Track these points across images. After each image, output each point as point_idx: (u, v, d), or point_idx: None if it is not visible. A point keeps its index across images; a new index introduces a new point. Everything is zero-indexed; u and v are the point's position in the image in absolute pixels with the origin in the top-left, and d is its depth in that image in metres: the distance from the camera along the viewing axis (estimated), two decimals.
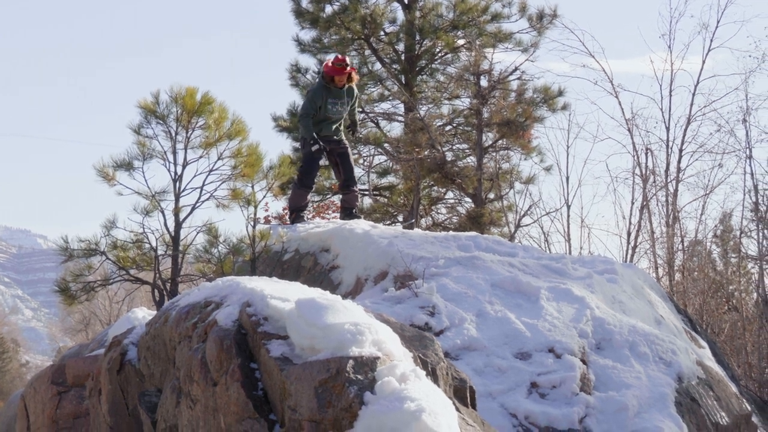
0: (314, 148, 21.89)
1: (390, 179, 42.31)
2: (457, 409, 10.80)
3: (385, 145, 41.37)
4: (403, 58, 42.21)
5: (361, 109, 19.66)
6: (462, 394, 11.91)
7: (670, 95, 39.10)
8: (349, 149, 21.92)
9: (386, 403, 9.89)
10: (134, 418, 12.91)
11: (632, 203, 39.12)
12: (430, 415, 9.71)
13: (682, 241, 38.23)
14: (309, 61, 42.94)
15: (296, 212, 23.69)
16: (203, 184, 37.25)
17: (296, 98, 41.72)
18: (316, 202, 41.59)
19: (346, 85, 20.97)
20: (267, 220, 37.70)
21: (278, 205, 40.82)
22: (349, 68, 20.76)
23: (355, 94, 21.44)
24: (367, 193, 42.23)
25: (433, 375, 11.32)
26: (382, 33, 41.91)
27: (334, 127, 21.58)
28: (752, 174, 42.35)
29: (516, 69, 40.57)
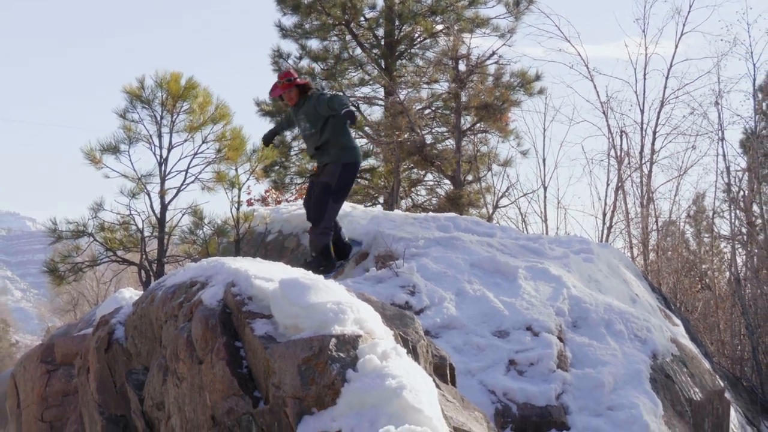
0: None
1: (370, 162, 42.43)
2: (438, 386, 10.81)
3: (366, 128, 41.46)
4: (382, 43, 42.40)
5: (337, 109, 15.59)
6: (442, 372, 11.93)
7: (645, 79, 39.22)
8: (324, 181, 16.82)
9: (368, 381, 9.91)
10: (122, 395, 12.90)
11: (607, 184, 39.23)
12: (410, 391, 9.72)
13: (657, 222, 38.31)
14: (291, 47, 43.27)
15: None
16: (188, 167, 37.07)
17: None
18: (299, 184, 41.71)
19: (301, 101, 17.16)
20: (250, 203, 37.70)
21: (261, 188, 40.85)
22: (290, 82, 16.97)
23: (314, 103, 16.85)
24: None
25: (413, 353, 11.33)
26: (362, 18, 42.14)
27: (312, 149, 17.65)
28: (724, 156, 42.34)
29: (493, 54, 40.71)
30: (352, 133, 16.59)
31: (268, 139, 19.26)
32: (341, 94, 15.61)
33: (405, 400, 9.65)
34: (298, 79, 16.97)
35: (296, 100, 16.96)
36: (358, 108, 16.35)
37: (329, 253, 15.02)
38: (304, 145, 44.15)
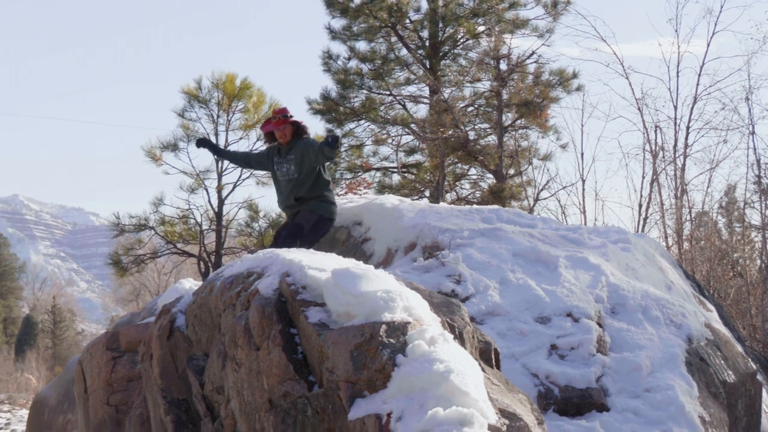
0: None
1: (417, 157, 42.50)
2: (483, 370, 10.79)
3: (412, 125, 41.43)
4: (427, 44, 42.37)
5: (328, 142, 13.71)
6: (487, 356, 11.91)
7: (678, 76, 39.18)
8: (297, 222, 14.93)
9: (417, 365, 9.91)
10: (183, 380, 12.94)
11: (643, 177, 39.15)
12: (457, 375, 9.70)
13: (690, 212, 38.23)
14: (340, 48, 43.13)
15: None
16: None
17: (329, 83, 42.11)
18: (348, 179, 41.76)
19: (293, 141, 15.01)
20: None
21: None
22: (286, 119, 14.81)
23: (304, 147, 14.82)
24: (395, 170, 42.61)
25: (460, 338, 11.32)
26: (407, 21, 42.09)
27: (285, 195, 15.25)
28: (755, 149, 42.16)
29: (533, 53, 40.81)
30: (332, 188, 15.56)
31: (203, 143, 16.65)
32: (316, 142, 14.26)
33: (452, 384, 9.63)
34: (294, 118, 15.07)
35: (288, 139, 14.96)
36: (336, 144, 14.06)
37: None
38: (352, 142, 44.72)
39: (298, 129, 14.92)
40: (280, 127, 14.31)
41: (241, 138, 40.25)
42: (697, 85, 38.89)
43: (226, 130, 37.30)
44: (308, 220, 13.96)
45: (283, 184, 15.06)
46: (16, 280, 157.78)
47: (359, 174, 42.16)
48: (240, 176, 40.34)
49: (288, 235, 13.91)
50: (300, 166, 14.67)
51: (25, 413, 53.57)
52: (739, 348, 18.28)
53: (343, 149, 41.57)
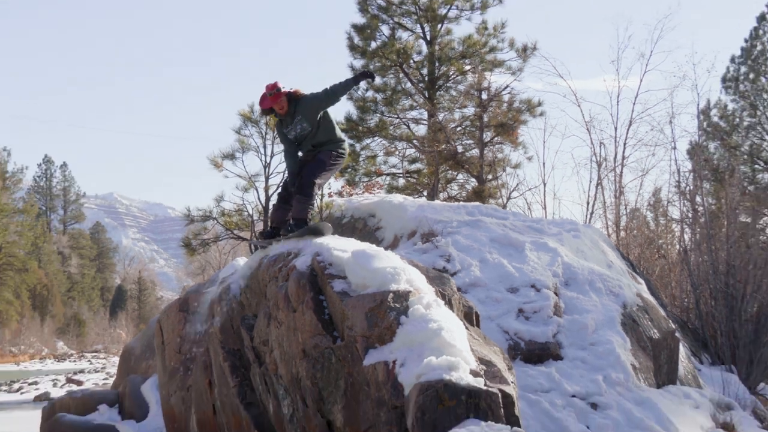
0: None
1: (417, 165, 43.17)
2: (466, 328, 10.82)
3: (414, 141, 42.25)
4: (426, 79, 43.08)
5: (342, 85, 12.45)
6: (470, 318, 11.93)
7: (618, 104, 39.72)
8: (320, 159, 13.63)
9: (416, 324, 9.99)
10: (237, 335, 12.96)
11: (590, 182, 39.40)
12: (447, 332, 9.77)
13: (626, 209, 38.29)
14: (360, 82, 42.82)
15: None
16: (285, 170, 36.90)
17: (350, 109, 42.72)
18: (365, 182, 42.13)
19: (292, 107, 13.68)
20: (330, 195, 37.69)
21: (338, 184, 40.69)
22: (278, 92, 13.48)
23: (309, 103, 13.57)
24: (401, 175, 43.12)
25: (449, 304, 11.34)
26: (411, 61, 42.68)
27: (309, 146, 13.76)
28: (675, 160, 42.73)
29: (507, 86, 41.41)
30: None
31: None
32: (316, 94, 12.47)
33: (443, 338, 9.68)
34: (284, 89, 13.57)
35: (287, 108, 13.57)
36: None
37: (307, 223, 13.15)
38: (369, 153, 45.06)
39: (291, 96, 13.64)
40: (278, 102, 13.19)
41: (281, 151, 41.01)
42: (632, 111, 39.14)
43: (272, 143, 37.88)
44: (329, 157, 13.27)
45: (302, 140, 13.91)
46: (111, 258, 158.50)
47: (373, 178, 42.53)
48: (282, 179, 41.27)
49: (313, 169, 12.97)
50: (311, 120, 13.53)
51: (116, 360, 53.59)
52: (662, 312, 18.28)
53: (360, 159, 41.81)
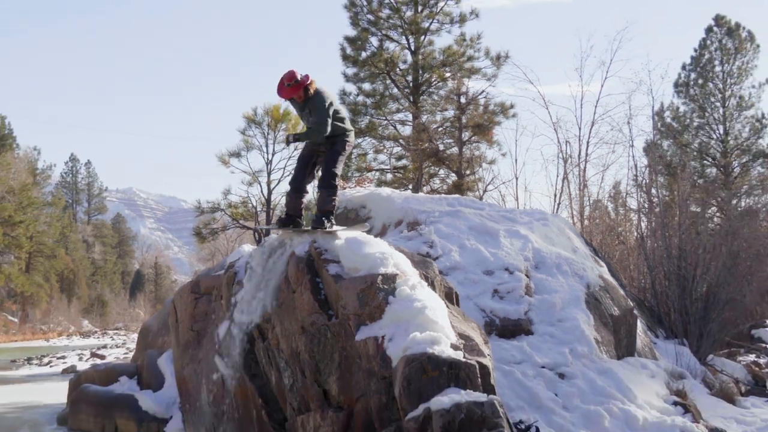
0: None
1: (403, 162, 43.61)
2: (447, 307, 10.81)
3: (400, 140, 42.62)
4: (411, 85, 43.66)
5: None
6: (450, 297, 11.91)
7: (581, 107, 39.46)
8: (336, 149, 12.88)
9: (403, 303, 10.00)
10: None
11: (557, 176, 39.61)
12: (430, 310, 9.79)
13: (589, 200, 38.33)
14: (351, 87, 44.40)
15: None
16: (285, 166, 36.92)
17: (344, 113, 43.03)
18: (357, 176, 42.50)
19: (306, 97, 12.92)
20: None
21: None
22: (297, 84, 12.74)
23: (315, 101, 12.76)
24: (389, 171, 43.37)
25: (432, 285, 11.34)
26: (397, 69, 43.20)
27: (322, 138, 12.89)
28: (633, 157, 42.92)
29: (483, 91, 42.04)
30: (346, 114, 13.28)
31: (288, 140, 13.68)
32: (320, 105, 11.36)
33: (426, 316, 9.69)
34: (301, 78, 12.71)
35: (304, 98, 12.81)
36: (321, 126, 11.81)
37: (332, 214, 12.52)
38: (360, 151, 45.25)
39: (307, 88, 12.84)
40: (296, 93, 12.82)
41: (283, 148, 41.48)
42: (594, 113, 39.24)
43: (273, 143, 38.53)
44: (342, 148, 12.67)
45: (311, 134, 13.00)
46: (130, 246, 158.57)
47: (364, 173, 42.79)
48: (283, 174, 41.83)
49: (331, 162, 12.45)
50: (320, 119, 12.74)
51: (135, 336, 53.57)
52: (622, 292, 18.29)
53: (353, 156, 42.05)
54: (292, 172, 13.11)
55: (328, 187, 12.28)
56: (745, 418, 16.07)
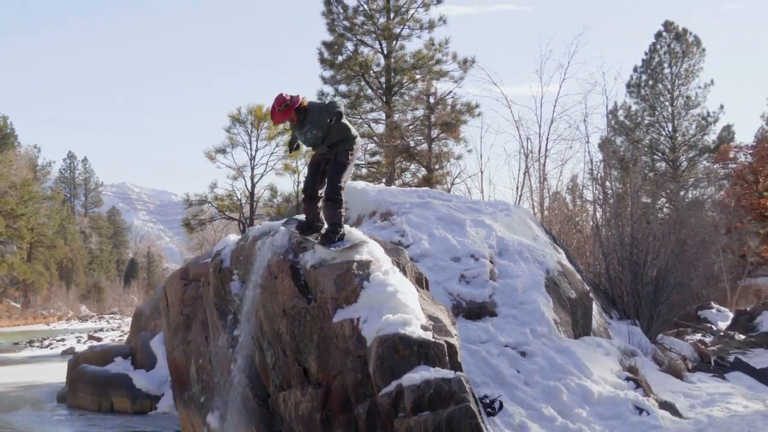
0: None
1: (377, 158, 43.71)
2: (418, 291, 10.82)
3: (374, 137, 42.79)
4: (384, 86, 43.96)
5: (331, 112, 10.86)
6: (420, 282, 11.91)
7: (541, 106, 39.69)
8: (339, 161, 11.69)
9: (376, 287, 10.01)
10: (228, 297, 12.90)
11: (519, 170, 39.94)
12: (402, 294, 9.81)
13: (548, 192, 38.47)
14: (328, 89, 44.76)
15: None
16: (267, 162, 36.94)
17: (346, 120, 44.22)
18: None
19: (302, 116, 11.67)
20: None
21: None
22: (288, 108, 11.53)
23: (317, 113, 11.53)
24: (364, 166, 43.54)
25: (403, 271, 11.32)
26: (371, 72, 43.45)
27: (325, 148, 11.79)
28: (589, 152, 43.07)
29: (450, 92, 42.55)
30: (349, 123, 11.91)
31: (291, 145, 12.30)
32: (334, 100, 10.57)
33: (398, 299, 9.70)
34: (292, 100, 11.57)
35: (297, 119, 11.66)
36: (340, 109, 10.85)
37: (342, 225, 11.28)
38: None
39: (300, 108, 12.04)
40: (288, 116, 11.73)
41: (266, 145, 41.64)
42: (553, 112, 39.46)
43: (257, 140, 38.72)
44: (345, 158, 11.65)
45: (315, 144, 11.31)
46: (125, 236, 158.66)
47: None
48: (265, 170, 42.00)
49: (335, 174, 11.47)
50: (321, 127, 11.49)
51: (129, 320, 53.35)
52: (579, 277, 18.33)
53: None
54: (304, 179, 12.48)
55: (333, 201, 11.24)
56: (692, 392, 16.16)
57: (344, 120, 11.32)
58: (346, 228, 11.59)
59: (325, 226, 11.49)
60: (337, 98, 11.76)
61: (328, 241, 11.19)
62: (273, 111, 11.39)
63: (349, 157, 11.42)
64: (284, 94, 11.41)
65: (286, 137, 46.63)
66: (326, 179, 11.54)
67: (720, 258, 38.58)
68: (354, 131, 11.58)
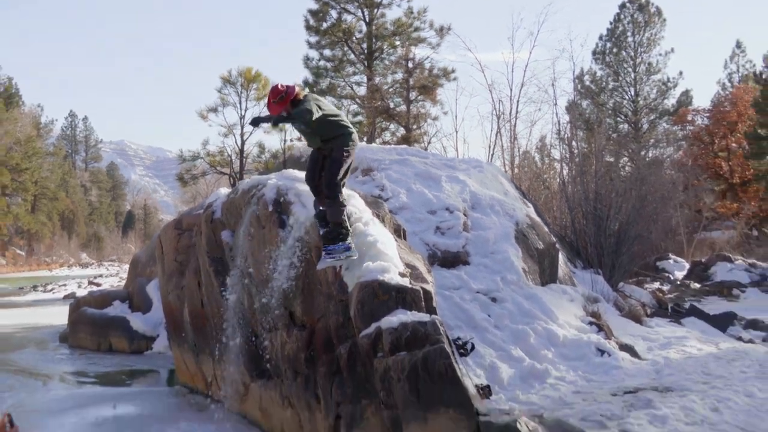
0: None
1: (359, 118, 43.76)
2: (396, 241, 10.79)
3: (356, 99, 43.23)
4: (366, 51, 44.36)
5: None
6: (399, 233, 11.90)
7: (512, 71, 39.81)
8: (334, 157, 10.71)
9: (357, 237, 10.02)
10: (219, 246, 12.89)
11: (491, 130, 40.52)
12: (381, 243, 9.80)
13: (519, 151, 38.56)
14: (314, 53, 45.23)
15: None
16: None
17: (307, 74, 46.04)
18: None
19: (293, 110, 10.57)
20: (290, 140, 37.89)
21: (296, 133, 41.84)
22: (282, 100, 10.66)
23: (297, 111, 10.33)
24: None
25: (383, 222, 11.30)
26: (354, 38, 43.81)
27: (318, 142, 10.94)
28: (556, 114, 42.95)
29: (428, 57, 42.72)
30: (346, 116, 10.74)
31: (256, 122, 11.14)
32: (303, 107, 9.42)
33: (378, 248, 9.70)
34: (287, 92, 10.71)
35: (291, 110, 10.58)
36: (306, 114, 9.81)
37: (345, 223, 10.28)
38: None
39: (294, 101, 11.08)
40: (284, 108, 10.77)
41: (255, 105, 41.68)
42: (524, 76, 39.90)
43: (246, 100, 38.74)
44: (340, 154, 10.53)
45: (305, 135, 11.24)
46: (123, 190, 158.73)
47: None
48: (253, 128, 42.27)
49: (331, 173, 10.17)
50: (308, 123, 10.33)
51: (127, 267, 53.22)
52: (546, 229, 18.36)
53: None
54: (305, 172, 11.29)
55: (330, 198, 10.31)
56: (650, 336, 16.27)
57: (335, 118, 10.28)
58: (353, 210, 10.88)
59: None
60: (308, 102, 10.07)
61: (328, 243, 10.21)
62: (269, 102, 10.41)
63: (344, 153, 10.54)
64: (279, 86, 10.65)
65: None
66: (324, 178, 10.68)
67: (677, 213, 38.83)
68: (349, 127, 10.72)
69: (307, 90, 10.78)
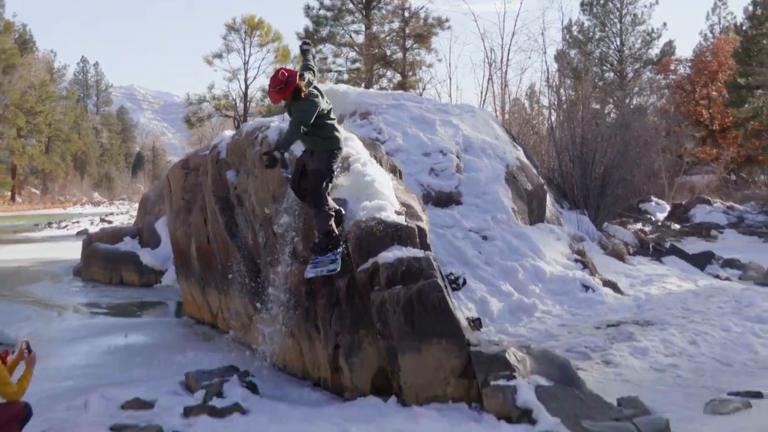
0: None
1: (357, 65, 43.79)
2: (393, 181, 10.76)
3: (355, 47, 43.18)
4: (364, 1, 43.83)
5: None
6: (395, 173, 11.87)
7: (504, 21, 40.16)
8: (314, 168, 9.73)
9: (356, 177, 9.94)
10: (224, 185, 12.83)
11: (483, 77, 40.22)
12: (378, 183, 9.76)
13: (509, 97, 38.40)
14: (314, 2, 44.72)
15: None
16: (259, 66, 36.57)
17: (308, 23, 45.92)
18: (319, 76, 43.00)
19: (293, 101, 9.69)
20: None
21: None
22: (286, 87, 9.49)
23: (296, 108, 9.58)
24: (345, 71, 43.78)
25: (380, 163, 11.26)
26: None
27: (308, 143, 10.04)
28: (546, 62, 42.76)
29: (423, 7, 43.85)
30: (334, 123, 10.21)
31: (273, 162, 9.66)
32: (304, 110, 8.62)
33: (375, 188, 9.67)
34: (287, 82, 9.51)
35: (291, 99, 9.61)
36: (303, 124, 9.18)
37: (334, 232, 9.47)
38: (322, 56, 45.37)
39: (295, 91, 10.02)
40: (285, 97, 9.76)
41: (258, 51, 41.53)
42: (515, 26, 39.93)
43: (250, 46, 38.66)
44: (321, 160, 8.88)
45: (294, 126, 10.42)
46: (132, 132, 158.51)
47: (325, 73, 43.00)
48: (257, 73, 42.13)
49: (314, 183, 8.39)
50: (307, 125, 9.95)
51: (136, 205, 53.30)
52: (535, 171, 18.35)
53: (315, 59, 42.16)
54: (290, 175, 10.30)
55: (318, 208, 9.48)
56: (632, 273, 16.37)
57: (330, 121, 9.80)
58: (351, 152, 10.62)
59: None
60: (312, 104, 8.82)
61: (315, 255, 9.59)
62: (270, 92, 9.81)
63: (326, 161, 9.62)
64: (280, 75, 9.48)
65: (280, 44, 47.76)
66: (308, 191, 9.78)
67: (660, 157, 38.80)
68: (337, 133, 9.81)
69: (308, 77, 9.79)
